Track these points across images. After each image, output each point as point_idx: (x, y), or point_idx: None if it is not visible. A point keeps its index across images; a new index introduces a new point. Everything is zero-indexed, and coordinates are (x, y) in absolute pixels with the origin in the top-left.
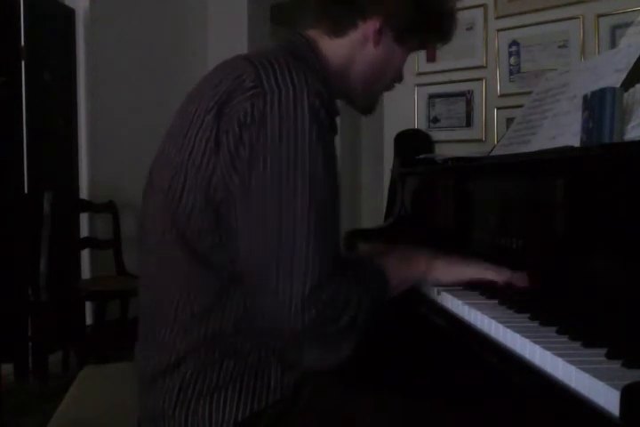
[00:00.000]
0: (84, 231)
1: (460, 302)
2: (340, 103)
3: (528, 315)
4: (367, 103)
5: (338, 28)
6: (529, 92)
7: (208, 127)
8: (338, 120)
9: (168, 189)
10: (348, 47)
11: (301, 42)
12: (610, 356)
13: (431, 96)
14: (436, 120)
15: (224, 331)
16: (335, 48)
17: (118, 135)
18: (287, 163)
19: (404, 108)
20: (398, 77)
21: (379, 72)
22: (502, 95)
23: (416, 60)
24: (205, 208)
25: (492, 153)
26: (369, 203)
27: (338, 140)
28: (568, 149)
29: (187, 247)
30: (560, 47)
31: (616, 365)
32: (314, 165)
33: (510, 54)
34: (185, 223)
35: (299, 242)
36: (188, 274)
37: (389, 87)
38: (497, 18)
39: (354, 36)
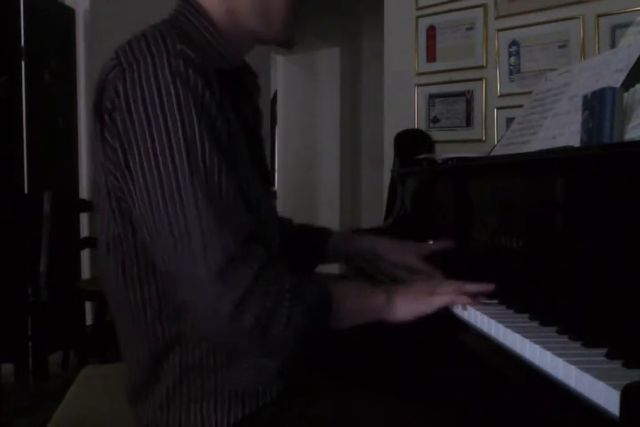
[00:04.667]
0: (84, 231)
1: None
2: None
3: (528, 315)
4: (281, 34)
5: None
6: (529, 92)
7: (95, 128)
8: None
9: (94, 196)
10: None
11: (179, 6)
12: (610, 356)
13: (431, 96)
14: (436, 120)
15: (186, 340)
16: None
17: None
18: (159, 135)
19: (404, 108)
20: None
21: None
22: (502, 95)
23: (416, 60)
24: (116, 213)
25: (492, 153)
26: (369, 203)
27: (337, 139)
28: (568, 149)
29: (120, 263)
30: (560, 47)
31: (616, 365)
32: (189, 131)
33: (510, 54)
34: (109, 233)
35: (190, 221)
36: (127, 286)
37: (294, 6)
38: (497, 18)
39: None
